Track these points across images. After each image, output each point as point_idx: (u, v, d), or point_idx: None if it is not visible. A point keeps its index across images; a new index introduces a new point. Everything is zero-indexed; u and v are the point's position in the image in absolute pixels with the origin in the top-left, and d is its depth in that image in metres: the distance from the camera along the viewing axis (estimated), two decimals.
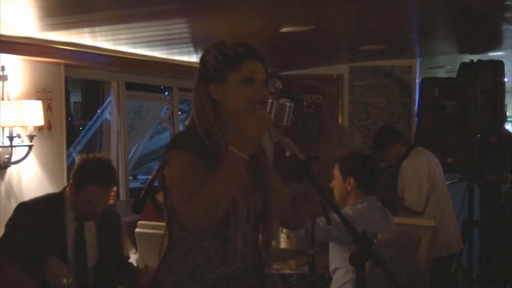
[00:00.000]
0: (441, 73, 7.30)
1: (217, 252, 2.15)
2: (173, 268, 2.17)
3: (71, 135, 7.89)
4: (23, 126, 4.10)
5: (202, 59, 2.24)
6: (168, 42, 4.58)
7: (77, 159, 3.37)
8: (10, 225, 3.20)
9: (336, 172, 3.86)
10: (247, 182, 2.14)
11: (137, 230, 4.04)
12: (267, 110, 2.15)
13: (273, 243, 3.55)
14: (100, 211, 3.26)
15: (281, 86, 2.28)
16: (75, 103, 11.22)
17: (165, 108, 6.48)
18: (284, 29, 4.21)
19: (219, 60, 2.18)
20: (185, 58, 5.28)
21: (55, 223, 3.19)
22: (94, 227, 3.30)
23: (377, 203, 3.88)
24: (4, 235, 3.20)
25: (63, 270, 3.01)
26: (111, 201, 4.00)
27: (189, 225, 2.09)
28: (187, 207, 2.02)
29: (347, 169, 3.82)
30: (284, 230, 4.16)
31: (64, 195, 3.27)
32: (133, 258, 3.80)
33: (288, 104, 2.16)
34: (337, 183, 3.84)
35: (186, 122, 2.29)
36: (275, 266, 3.92)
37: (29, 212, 3.19)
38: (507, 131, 7.15)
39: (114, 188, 3.74)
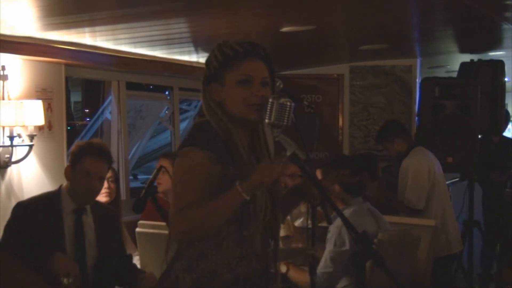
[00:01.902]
0: (441, 73, 7.30)
1: (235, 251, 2.16)
2: (192, 267, 2.15)
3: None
4: (23, 126, 4.10)
5: (206, 59, 2.25)
6: (168, 41, 4.58)
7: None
8: (9, 226, 3.21)
9: (319, 177, 3.84)
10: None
11: (137, 229, 4.04)
12: (268, 110, 2.14)
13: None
14: (97, 189, 3.27)
15: (281, 85, 2.28)
16: (75, 103, 11.23)
17: (166, 107, 6.48)
18: (284, 29, 4.21)
19: (219, 61, 2.19)
20: (185, 57, 5.28)
21: (53, 220, 3.19)
22: (92, 222, 3.30)
23: (365, 204, 3.84)
24: (4, 236, 3.21)
25: (71, 266, 3.01)
26: (107, 198, 3.98)
27: (173, 232, 2.10)
28: (177, 217, 2.05)
29: (329, 176, 3.79)
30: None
31: (61, 191, 3.28)
32: (135, 260, 3.80)
33: (288, 103, 2.16)
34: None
35: (196, 118, 2.29)
36: None
37: (27, 211, 3.19)
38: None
39: (105, 186, 3.74)
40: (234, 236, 2.16)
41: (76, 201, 3.25)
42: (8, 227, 3.20)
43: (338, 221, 3.66)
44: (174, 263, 2.21)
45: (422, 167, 4.90)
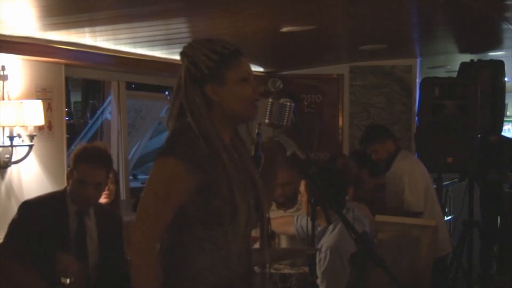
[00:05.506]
0: (441, 73, 7.30)
1: (219, 254, 2.12)
2: (174, 270, 2.12)
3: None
4: (23, 126, 4.10)
5: (191, 59, 2.14)
6: (168, 41, 4.58)
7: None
8: (14, 224, 3.20)
9: (302, 188, 3.73)
10: (243, 182, 2.14)
11: None
12: (268, 110, 2.15)
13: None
14: (93, 196, 3.24)
15: (281, 86, 2.28)
16: (75, 103, 11.22)
17: (166, 107, 6.48)
18: (284, 29, 4.21)
19: (214, 60, 2.13)
20: None
21: (59, 220, 3.20)
22: (95, 225, 3.30)
23: (349, 213, 3.78)
24: (8, 233, 3.21)
25: (72, 266, 3.01)
26: (106, 200, 3.96)
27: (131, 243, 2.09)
28: (137, 231, 2.08)
29: (313, 193, 3.52)
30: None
31: (66, 191, 3.28)
32: None
33: (288, 104, 2.16)
34: (305, 201, 3.61)
35: (170, 122, 2.20)
36: (275, 266, 3.91)
37: (33, 210, 3.19)
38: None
39: (107, 187, 3.72)
40: (217, 240, 2.12)
41: (75, 205, 3.25)
42: (13, 224, 3.20)
43: (334, 245, 3.58)
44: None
45: (416, 171, 4.97)
